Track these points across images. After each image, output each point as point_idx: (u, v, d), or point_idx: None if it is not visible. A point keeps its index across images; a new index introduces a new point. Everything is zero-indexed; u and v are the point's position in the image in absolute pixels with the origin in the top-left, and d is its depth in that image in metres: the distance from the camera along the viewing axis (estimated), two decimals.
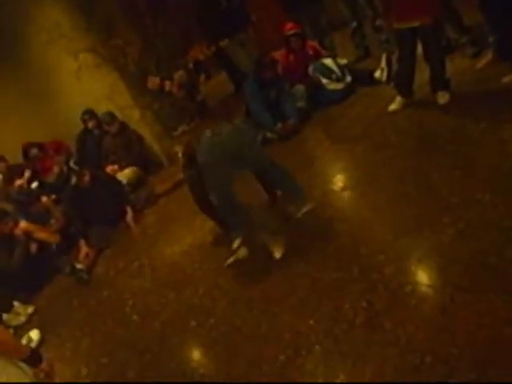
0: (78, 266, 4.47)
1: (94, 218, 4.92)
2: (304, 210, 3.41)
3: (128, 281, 4.00)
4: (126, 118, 6.15)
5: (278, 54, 5.43)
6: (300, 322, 2.53)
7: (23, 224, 4.73)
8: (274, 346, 2.48)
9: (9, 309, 4.34)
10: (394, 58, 4.28)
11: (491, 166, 2.92)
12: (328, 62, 5.35)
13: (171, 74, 6.54)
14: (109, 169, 5.81)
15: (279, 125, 5.01)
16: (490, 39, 4.12)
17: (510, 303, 2.03)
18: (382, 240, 2.84)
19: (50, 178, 6.24)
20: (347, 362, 2.19)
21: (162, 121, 6.42)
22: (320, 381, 2.19)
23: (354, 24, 5.77)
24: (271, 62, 5.08)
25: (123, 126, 6.03)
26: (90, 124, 6.23)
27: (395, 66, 4.31)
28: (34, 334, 3.90)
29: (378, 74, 5.05)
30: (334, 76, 5.25)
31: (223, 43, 6.80)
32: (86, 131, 6.34)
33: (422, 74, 4.16)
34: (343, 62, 5.43)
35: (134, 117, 6.14)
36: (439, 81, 4.01)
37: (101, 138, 6.16)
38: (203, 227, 4.06)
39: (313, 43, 5.67)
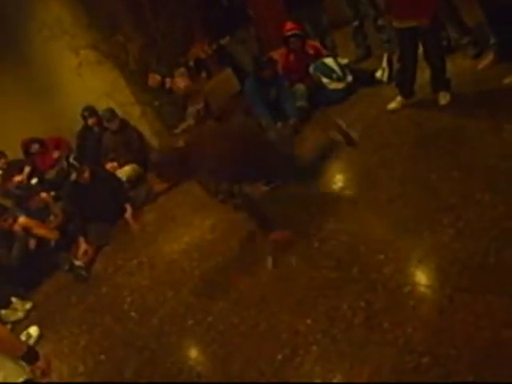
0: (77, 262, 4.46)
1: (93, 214, 4.91)
2: None
3: (126, 278, 4.00)
4: (127, 115, 6.14)
5: (278, 54, 5.40)
6: (298, 322, 2.53)
7: (22, 219, 4.73)
8: (272, 345, 2.48)
9: (7, 304, 4.34)
10: (395, 58, 4.27)
11: (491, 166, 2.92)
12: (329, 61, 5.31)
13: (172, 72, 6.52)
14: (108, 166, 5.79)
15: (279, 124, 5.01)
16: (492, 40, 4.12)
17: (508, 305, 2.03)
18: (381, 240, 2.83)
19: (50, 175, 6.25)
20: (345, 361, 2.19)
21: (163, 118, 6.41)
22: (317, 380, 2.19)
23: (356, 23, 5.75)
24: (269, 61, 5.05)
25: (123, 123, 6.00)
26: (90, 121, 6.19)
27: (396, 66, 4.30)
28: (33, 331, 3.90)
29: (379, 73, 5.02)
30: (334, 75, 5.22)
31: (224, 41, 6.78)
32: (87, 128, 6.32)
33: (423, 74, 4.16)
34: (344, 61, 5.40)
35: (135, 114, 6.14)
36: (440, 81, 4.00)
37: (101, 135, 6.13)
38: (202, 226, 4.06)
39: (314, 42, 5.64)
